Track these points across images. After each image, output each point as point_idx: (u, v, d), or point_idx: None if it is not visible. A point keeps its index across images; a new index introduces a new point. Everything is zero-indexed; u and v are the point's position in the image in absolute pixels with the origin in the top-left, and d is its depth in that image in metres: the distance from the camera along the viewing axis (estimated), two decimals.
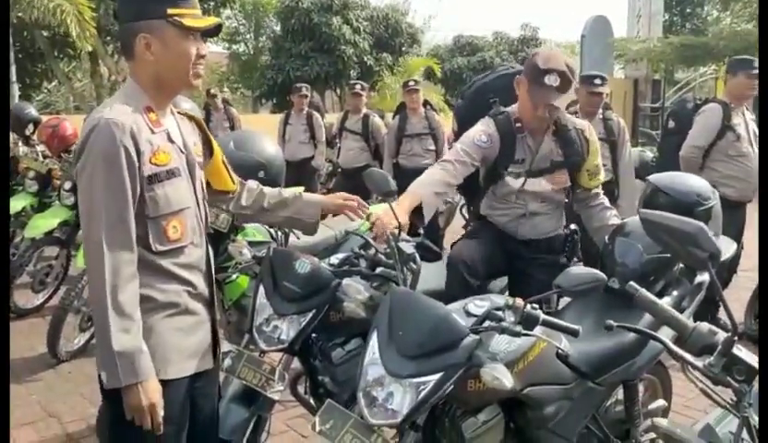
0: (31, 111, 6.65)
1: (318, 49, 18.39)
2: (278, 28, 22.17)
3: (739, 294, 4.89)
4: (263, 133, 3.51)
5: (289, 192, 2.44)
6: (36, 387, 4.12)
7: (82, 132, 1.82)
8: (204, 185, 2.08)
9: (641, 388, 2.74)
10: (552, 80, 2.72)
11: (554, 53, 2.94)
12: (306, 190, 2.64)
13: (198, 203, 1.99)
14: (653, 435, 2.78)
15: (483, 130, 2.90)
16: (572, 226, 3.18)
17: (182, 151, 1.94)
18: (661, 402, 2.81)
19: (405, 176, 3.84)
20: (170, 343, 1.88)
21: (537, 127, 2.92)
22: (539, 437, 2.30)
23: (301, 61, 18.43)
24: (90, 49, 12.49)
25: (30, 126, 6.42)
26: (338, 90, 20.87)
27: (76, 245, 5.53)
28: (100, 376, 1.89)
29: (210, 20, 1.90)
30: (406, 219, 2.55)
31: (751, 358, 1.45)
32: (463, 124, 3.18)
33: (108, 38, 14.91)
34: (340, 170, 7.95)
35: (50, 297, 5.48)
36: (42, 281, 5.43)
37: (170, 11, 1.82)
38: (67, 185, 5.27)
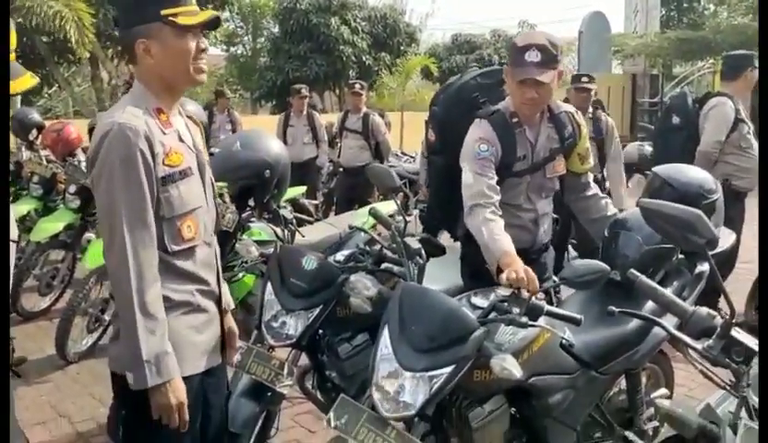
0: (35, 116, 6.69)
1: (316, 49, 18.43)
2: (276, 29, 22.21)
3: (739, 286, 4.93)
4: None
5: None
6: (46, 388, 4.17)
7: (94, 138, 1.85)
8: (213, 184, 2.11)
9: (643, 377, 2.79)
10: (533, 56, 2.57)
11: (534, 31, 2.80)
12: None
13: (208, 202, 2.03)
14: (655, 423, 2.83)
15: (479, 138, 2.69)
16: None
17: (192, 150, 1.97)
18: (663, 391, 2.87)
19: None
20: (185, 341, 1.91)
21: (533, 118, 2.78)
22: (544, 425, 2.35)
23: (300, 62, 18.47)
24: (88, 55, 12.52)
25: (34, 131, 6.46)
26: (337, 91, 20.91)
27: (81, 248, 5.58)
28: (114, 376, 1.93)
29: (205, 15, 1.91)
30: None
31: (749, 340, 1.50)
32: (445, 131, 3.03)
33: (108, 43, 14.96)
34: (341, 169, 8.00)
35: (56, 300, 5.52)
36: (49, 285, 5.47)
37: (164, 12, 1.83)
38: (72, 188, 5.31)
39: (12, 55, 1.61)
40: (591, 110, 5.00)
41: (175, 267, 1.90)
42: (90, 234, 5.63)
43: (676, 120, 4.90)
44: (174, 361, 1.81)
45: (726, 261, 4.57)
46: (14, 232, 1.73)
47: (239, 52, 25.78)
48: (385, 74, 19.97)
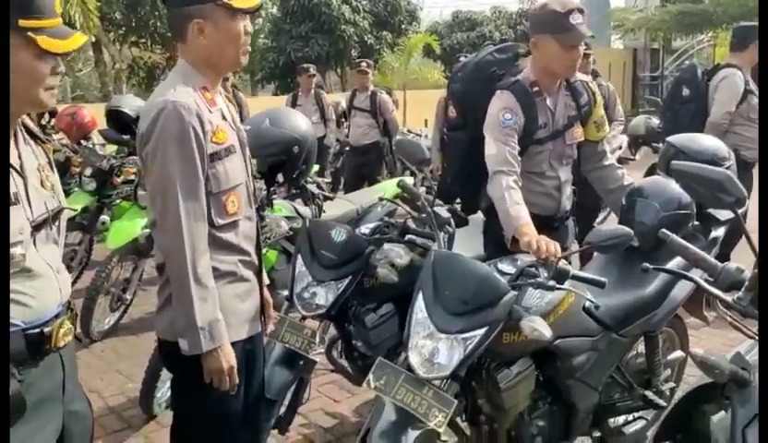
0: None
1: (318, 30, 18.39)
2: (274, 10, 22.13)
3: (744, 255, 5.02)
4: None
5: None
6: None
7: (146, 116, 1.90)
8: (250, 160, 2.19)
9: (660, 340, 2.89)
10: (577, 18, 2.67)
11: None
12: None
13: (248, 177, 2.10)
14: (672, 384, 2.94)
15: (503, 107, 2.78)
16: None
17: (233, 128, 2.04)
18: (679, 353, 2.97)
19: None
20: (230, 308, 1.99)
21: (552, 87, 2.87)
22: (568, 386, 2.45)
23: (301, 42, 18.43)
24: (93, 39, 12.52)
25: (47, 116, 6.52)
26: (339, 70, 20.89)
27: (97, 230, 5.67)
28: (162, 343, 2.02)
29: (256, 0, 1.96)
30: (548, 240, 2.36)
31: None
32: (465, 106, 3.12)
33: (110, 26, 14.95)
34: (348, 148, 8.06)
35: (74, 281, 5.61)
36: (68, 266, 5.49)
37: None
38: (88, 171, 5.37)
39: (58, 20, 1.58)
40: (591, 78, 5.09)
41: (221, 239, 1.97)
42: (105, 217, 5.72)
43: (686, 92, 4.94)
44: (224, 327, 1.90)
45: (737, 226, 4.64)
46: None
47: None
48: (387, 53, 19.94)
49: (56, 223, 1.69)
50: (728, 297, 1.62)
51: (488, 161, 2.73)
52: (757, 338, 1.54)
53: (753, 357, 1.55)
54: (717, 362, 1.48)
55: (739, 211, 1.65)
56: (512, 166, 2.68)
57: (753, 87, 4.74)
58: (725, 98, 4.68)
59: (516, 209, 2.57)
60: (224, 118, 2.01)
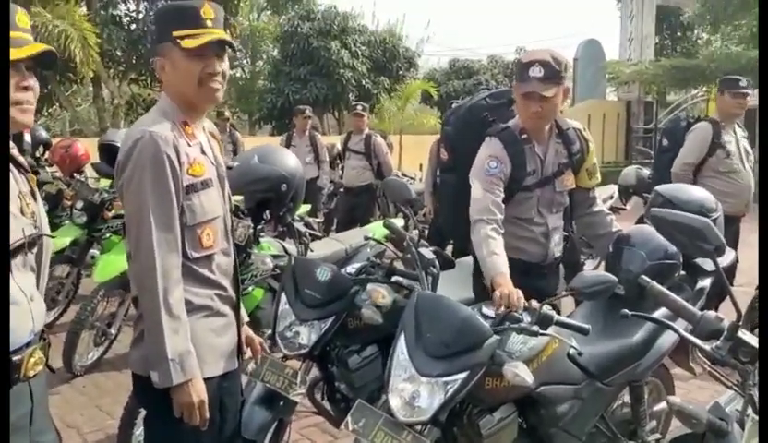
0: (42, 132, 6.79)
1: (316, 73, 18.64)
2: (275, 52, 22.45)
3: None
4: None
5: None
6: (53, 400, 4.18)
7: (124, 145, 1.93)
8: (230, 196, 2.19)
9: (645, 390, 2.86)
10: (536, 71, 2.67)
11: (540, 49, 2.89)
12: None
13: (226, 212, 2.10)
14: (658, 435, 2.91)
15: (489, 155, 2.79)
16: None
17: (212, 163, 2.06)
18: (665, 404, 2.93)
19: None
20: (204, 343, 1.97)
21: (541, 134, 2.87)
22: (551, 435, 2.42)
23: (300, 84, 18.66)
24: (92, 74, 12.64)
25: (41, 148, 6.54)
26: (336, 113, 21.10)
27: (86, 264, 5.64)
28: (136, 378, 1.99)
29: (206, 39, 1.90)
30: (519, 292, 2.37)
31: (755, 341, 1.58)
32: (457, 149, 3.15)
33: (110, 62, 15.10)
34: (342, 189, 8.10)
35: (61, 314, 5.56)
36: (54, 299, 5.50)
37: (174, 33, 1.90)
38: (79, 204, 5.37)
39: (17, 33, 1.56)
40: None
41: (196, 272, 1.97)
42: (94, 251, 5.70)
43: (665, 142, 5.12)
44: (195, 360, 1.88)
45: (727, 277, 4.65)
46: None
47: (238, 74, 26.02)
48: (384, 97, 20.18)
49: (34, 250, 1.68)
50: (707, 346, 1.62)
51: (471, 208, 2.74)
52: (735, 387, 1.53)
53: (733, 408, 1.54)
54: (695, 411, 1.46)
55: (720, 261, 1.64)
56: (493, 215, 2.68)
57: (728, 139, 4.79)
58: (686, 150, 4.81)
59: (492, 259, 2.56)
60: (203, 153, 2.02)
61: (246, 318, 2.25)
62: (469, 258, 3.13)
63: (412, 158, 13.48)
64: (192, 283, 1.96)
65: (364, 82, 19.15)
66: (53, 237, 1.80)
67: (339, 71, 18.47)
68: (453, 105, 5.12)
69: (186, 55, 1.91)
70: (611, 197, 6.74)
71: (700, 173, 4.77)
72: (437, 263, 2.70)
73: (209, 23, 1.93)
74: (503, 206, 2.74)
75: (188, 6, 1.95)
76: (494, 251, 2.57)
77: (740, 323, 1.60)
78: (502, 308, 2.27)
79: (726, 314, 1.79)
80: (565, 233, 3.10)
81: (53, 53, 1.66)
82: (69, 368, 4.46)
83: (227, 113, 9.82)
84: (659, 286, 1.81)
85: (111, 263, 4.49)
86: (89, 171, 6.16)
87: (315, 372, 3.09)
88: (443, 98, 19.84)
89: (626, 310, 1.83)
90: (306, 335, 2.67)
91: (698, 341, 1.63)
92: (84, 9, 13.89)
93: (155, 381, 1.85)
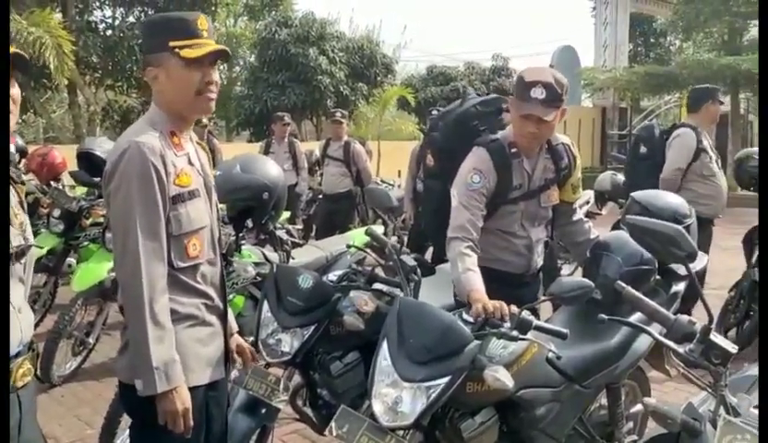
0: (18, 140, 6.71)
1: (294, 79, 18.58)
2: (252, 59, 22.36)
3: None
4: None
5: None
6: None
7: (112, 155, 1.94)
8: (218, 206, 2.21)
9: (622, 392, 2.91)
10: (538, 93, 2.63)
11: (542, 68, 2.86)
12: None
13: (213, 222, 2.12)
14: (635, 437, 2.97)
15: (473, 168, 2.76)
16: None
17: (200, 173, 2.07)
18: (641, 406, 2.99)
19: None
20: (190, 352, 1.98)
21: (531, 150, 2.84)
22: (531, 437, 2.46)
23: (278, 91, 18.59)
24: (66, 81, 12.52)
25: (17, 156, 6.46)
26: (314, 119, 21.07)
27: (63, 272, 5.59)
28: (122, 386, 2.00)
29: (207, 49, 1.95)
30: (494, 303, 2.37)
31: (726, 344, 1.64)
32: (443, 155, 3.11)
33: (86, 69, 14.97)
34: (320, 196, 8.12)
35: (37, 323, 5.50)
36: (30, 308, 5.44)
37: (171, 43, 1.92)
38: (56, 212, 5.32)
39: None
40: None
41: (182, 281, 1.98)
42: (71, 259, 5.65)
43: (643, 150, 5.20)
44: (180, 368, 1.89)
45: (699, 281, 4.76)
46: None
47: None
48: (362, 104, 20.18)
49: (22, 261, 1.69)
50: (680, 349, 1.67)
51: (450, 223, 2.74)
52: (708, 389, 1.58)
53: (705, 409, 1.59)
54: (670, 412, 1.51)
55: (693, 266, 1.70)
56: (469, 233, 2.68)
57: (707, 145, 4.94)
58: (675, 155, 4.91)
59: (467, 275, 2.56)
60: (191, 163, 2.04)
61: (235, 327, 2.27)
62: (449, 265, 3.16)
63: (390, 164, 13.54)
64: (178, 293, 1.97)
65: (342, 88, 19.13)
66: (38, 248, 1.80)
67: (317, 77, 18.43)
68: (434, 112, 5.17)
69: (185, 65, 1.93)
70: (587, 203, 6.83)
71: (684, 178, 4.89)
72: (418, 270, 2.74)
73: (204, 34, 1.97)
74: (480, 225, 2.73)
75: (186, 17, 1.98)
76: (468, 267, 2.58)
77: (712, 326, 1.66)
78: (497, 314, 2.27)
79: (699, 317, 1.86)
80: (546, 240, 3.13)
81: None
82: (47, 378, 4.42)
83: (204, 121, 9.76)
84: (634, 291, 1.87)
85: (89, 272, 4.47)
86: (66, 179, 6.10)
87: (297, 378, 3.12)
88: (421, 104, 19.91)
89: (603, 315, 1.87)
90: (289, 342, 2.69)
91: (672, 344, 1.69)
92: (60, 16, 13.77)
93: (139, 389, 1.86)
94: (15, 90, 1.64)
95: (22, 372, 1.64)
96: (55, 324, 4.46)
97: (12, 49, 1.64)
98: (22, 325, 1.65)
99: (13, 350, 1.62)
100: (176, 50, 1.92)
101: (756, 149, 5.22)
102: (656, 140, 5.09)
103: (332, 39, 19.47)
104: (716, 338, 1.65)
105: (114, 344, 2.06)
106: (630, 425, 2.98)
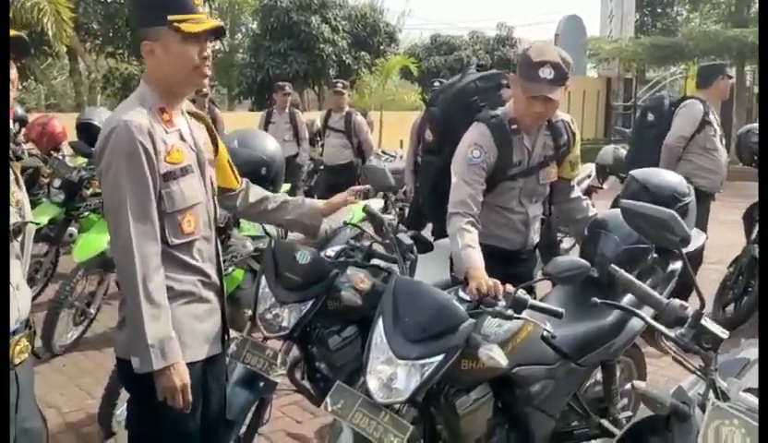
0: (18, 109, 6.69)
1: (296, 47, 18.46)
2: (254, 26, 22.17)
3: (707, 288, 5.15)
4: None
5: (292, 197, 2.55)
6: None
7: (102, 134, 1.94)
8: (214, 182, 2.21)
9: (617, 369, 2.94)
10: (546, 73, 2.61)
11: (547, 46, 2.83)
12: (290, 187, 2.75)
13: (208, 198, 2.12)
14: (629, 413, 3.00)
15: (474, 143, 2.74)
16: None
17: (192, 149, 2.07)
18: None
19: None
20: (186, 329, 2.00)
21: (532, 126, 2.82)
22: (525, 413, 2.49)
23: (280, 59, 18.48)
24: (66, 48, 12.41)
25: (16, 125, 6.45)
26: (316, 89, 20.97)
27: (64, 242, 5.61)
28: (120, 361, 2.02)
29: (207, 24, 1.97)
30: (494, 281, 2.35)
31: (717, 329, 1.65)
32: (442, 131, 3.10)
33: (86, 36, 14.83)
34: (322, 167, 8.10)
35: (39, 293, 5.54)
36: (32, 278, 5.47)
37: (170, 18, 1.91)
38: (57, 182, 5.33)
39: None
40: None
41: (177, 258, 2.00)
42: (72, 229, 5.67)
43: (650, 117, 5.20)
44: (177, 345, 1.91)
45: (696, 259, 4.78)
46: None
47: (216, 47, 25.68)
48: (365, 73, 20.04)
49: (20, 238, 1.70)
50: (672, 332, 1.68)
51: (450, 197, 2.74)
52: (698, 372, 1.59)
53: (695, 392, 1.61)
54: (659, 395, 1.53)
55: (685, 249, 1.70)
56: (470, 209, 2.67)
57: (713, 119, 4.94)
58: (681, 123, 4.92)
59: (467, 252, 2.55)
60: (183, 139, 2.03)
61: None
62: (447, 241, 3.16)
63: (392, 134, 13.47)
64: (174, 270, 1.99)
65: (344, 57, 19.02)
66: (35, 224, 1.81)
67: (319, 46, 18.31)
68: (436, 84, 5.11)
69: (182, 40, 1.93)
70: (589, 177, 6.82)
71: (686, 149, 4.91)
72: (414, 249, 2.74)
73: (200, 9, 1.97)
74: (480, 200, 2.73)
75: None
76: (468, 244, 2.57)
77: (704, 311, 1.67)
78: (492, 294, 2.27)
79: (692, 302, 1.86)
80: (542, 217, 3.13)
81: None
82: (49, 348, 4.46)
83: (206, 89, 9.68)
84: (627, 275, 1.87)
85: (90, 242, 4.48)
86: (66, 148, 6.10)
87: (295, 352, 3.14)
88: (424, 74, 19.79)
89: (595, 299, 1.88)
90: (287, 317, 2.70)
91: (663, 329, 1.70)
92: None
93: (135, 366, 1.89)
94: (13, 72, 1.64)
95: (19, 349, 1.66)
96: (57, 294, 4.49)
97: (12, 32, 1.63)
98: (20, 303, 1.67)
99: (11, 327, 1.63)
100: (175, 24, 1.91)
101: (757, 124, 5.20)
102: (665, 110, 5.09)
103: (335, 6, 19.30)
104: (707, 323, 1.66)
105: (116, 314, 2.08)
106: (625, 401, 3.00)
